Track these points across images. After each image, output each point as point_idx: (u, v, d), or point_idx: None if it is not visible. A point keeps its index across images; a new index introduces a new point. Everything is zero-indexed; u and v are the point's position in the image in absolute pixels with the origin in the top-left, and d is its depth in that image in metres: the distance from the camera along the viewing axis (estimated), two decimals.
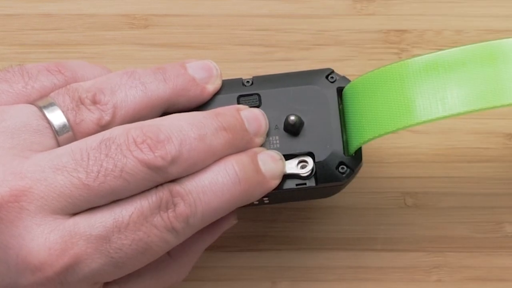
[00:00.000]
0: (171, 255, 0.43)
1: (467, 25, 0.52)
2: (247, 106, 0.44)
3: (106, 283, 0.41)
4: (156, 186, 0.40)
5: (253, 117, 0.43)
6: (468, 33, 0.52)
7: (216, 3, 0.52)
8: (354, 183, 0.46)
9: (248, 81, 0.45)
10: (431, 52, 0.41)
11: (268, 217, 0.50)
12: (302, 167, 0.43)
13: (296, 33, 0.52)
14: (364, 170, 0.46)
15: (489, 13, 0.52)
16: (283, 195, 0.44)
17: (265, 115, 0.43)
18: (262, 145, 0.43)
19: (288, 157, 0.43)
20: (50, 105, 0.40)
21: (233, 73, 0.50)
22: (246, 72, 0.51)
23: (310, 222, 0.50)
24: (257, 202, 0.43)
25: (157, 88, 0.42)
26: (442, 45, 0.52)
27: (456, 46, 0.41)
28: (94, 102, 0.41)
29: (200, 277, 0.50)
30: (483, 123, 0.51)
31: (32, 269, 0.38)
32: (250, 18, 0.52)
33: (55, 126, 0.40)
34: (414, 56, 0.51)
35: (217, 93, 0.44)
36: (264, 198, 0.43)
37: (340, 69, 0.47)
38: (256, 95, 0.44)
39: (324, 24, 0.52)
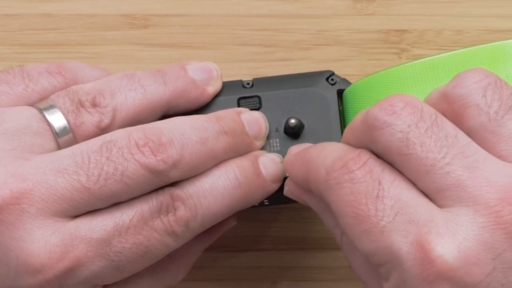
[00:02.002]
0: (170, 256, 0.43)
1: (467, 25, 0.52)
2: (247, 109, 0.44)
3: (106, 285, 0.41)
4: (157, 190, 0.40)
5: (253, 121, 0.43)
6: (468, 33, 0.52)
7: (216, 3, 0.52)
8: None
9: (248, 83, 0.45)
10: (431, 54, 0.41)
11: (268, 217, 0.51)
12: None
13: (296, 33, 0.52)
14: None
15: (489, 13, 0.52)
16: (284, 197, 0.44)
17: (265, 118, 0.43)
18: (262, 148, 0.43)
19: None
20: (51, 107, 0.40)
21: (233, 73, 0.50)
22: (246, 72, 0.51)
23: (310, 222, 0.50)
24: (257, 204, 0.43)
25: (157, 90, 0.42)
26: (442, 45, 0.52)
27: (456, 46, 0.41)
28: (94, 105, 0.41)
29: (200, 277, 0.50)
30: None
31: (32, 271, 0.38)
32: (250, 18, 0.52)
33: (56, 129, 0.40)
34: (414, 56, 0.51)
35: (217, 95, 0.44)
36: (264, 200, 0.44)
37: (340, 69, 0.47)
38: (256, 97, 0.44)
39: (324, 24, 0.52)
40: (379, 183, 0.35)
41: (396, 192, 0.35)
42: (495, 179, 0.34)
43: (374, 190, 0.35)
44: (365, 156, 0.36)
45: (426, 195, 0.35)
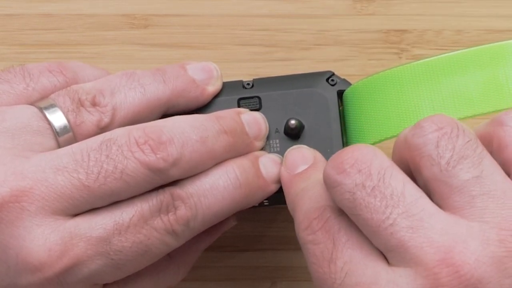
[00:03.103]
0: (170, 255, 0.43)
1: (467, 25, 0.52)
2: (247, 110, 0.44)
3: (106, 284, 0.41)
4: (157, 189, 0.40)
5: (253, 121, 0.43)
6: (468, 33, 0.52)
7: (216, 3, 0.52)
8: None
9: (248, 84, 0.45)
10: (431, 54, 0.41)
11: (268, 217, 0.51)
12: None
13: (296, 33, 0.52)
14: None
15: (489, 13, 0.52)
16: (283, 197, 0.44)
17: (265, 118, 0.43)
18: (262, 149, 0.43)
19: None
20: (51, 106, 0.40)
21: (233, 73, 0.50)
22: (246, 72, 0.51)
23: None
24: (257, 205, 0.43)
25: (157, 89, 0.42)
26: (442, 45, 0.52)
27: (456, 46, 0.41)
28: (94, 104, 0.41)
29: (200, 277, 0.50)
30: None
31: (31, 269, 0.38)
32: (250, 18, 0.52)
33: (56, 127, 0.40)
34: (414, 56, 0.51)
35: (217, 95, 0.44)
36: (264, 200, 0.43)
37: (340, 69, 0.47)
38: (256, 98, 0.44)
39: (324, 24, 0.52)
40: (334, 244, 0.35)
41: (347, 253, 0.35)
42: (437, 239, 0.34)
43: (329, 252, 0.35)
44: (327, 214, 0.37)
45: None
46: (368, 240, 0.35)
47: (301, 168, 0.41)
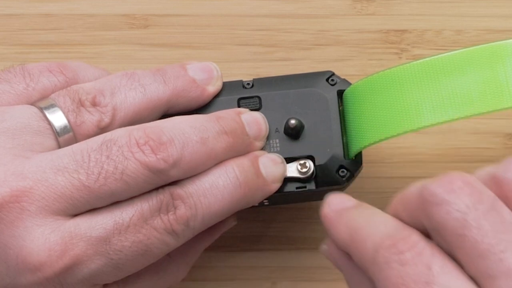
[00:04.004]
0: (170, 255, 0.43)
1: (467, 25, 0.52)
2: (247, 110, 0.44)
3: (106, 284, 0.41)
4: (157, 189, 0.40)
5: (253, 121, 0.43)
6: (468, 33, 0.52)
7: (216, 3, 0.52)
8: (354, 183, 0.46)
9: (248, 83, 0.45)
10: (431, 54, 0.41)
11: (268, 217, 0.51)
12: (303, 171, 0.43)
13: (296, 33, 0.52)
14: (364, 170, 0.46)
15: (489, 13, 0.52)
16: (283, 197, 0.44)
17: (265, 118, 0.43)
18: (262, 149, 0.43)
19: (288, 160, 0.43)
20: (51, 106, 0.41)
21: (233, 73, 0.50)
22: (246, 72, 0.51)
23: (310, 222, 0.50)
24: (257, 204, 0.43)
25: (157, 89, 0.42)
26: (442, 45, 0.52)
27: (456, 46, 0.41)
28: (94, 104, 0.41)
29: (200, 277, 0.50)
30: (483, 123, 0.51)
31: (31, 269, 0.38)
32: (250, 18, 0.52)
33: (56, 127, 0.40)
34: (414, 56, 0.51)
35: (217, 95, 0.44)
36: (264, 200, 0.43)
37: (340, 69, 0.47)
38: (256, 98, 0.44)
39: (324, 24, 0.52)
40: (429, 268, 0.34)
41: (445, 279, 0.34)
42: None
43: (424, 275, 0.34)
44: (416, 237, 0.35)
45: (473, 279, 0.34)
46: (460, 268, 0.34)
47: (348, 204, 0.39)
